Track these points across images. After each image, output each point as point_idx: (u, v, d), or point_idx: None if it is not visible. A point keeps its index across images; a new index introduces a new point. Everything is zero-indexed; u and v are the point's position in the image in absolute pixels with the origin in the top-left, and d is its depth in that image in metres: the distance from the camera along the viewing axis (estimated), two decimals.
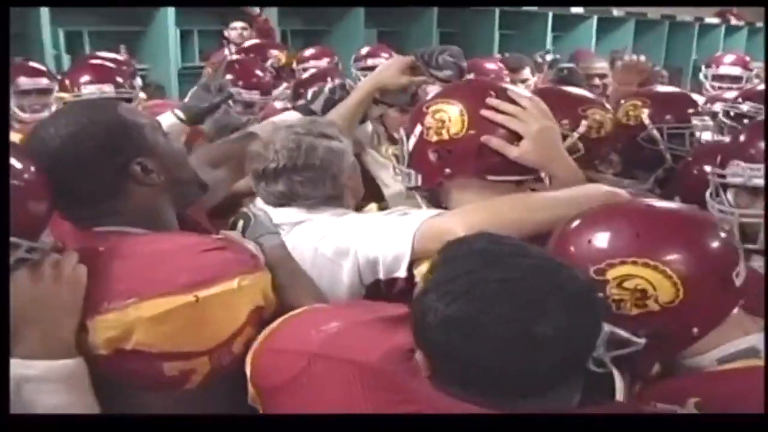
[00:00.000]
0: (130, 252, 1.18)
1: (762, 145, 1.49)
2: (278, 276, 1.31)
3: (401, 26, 6.88)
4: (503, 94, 1.42)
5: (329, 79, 2.86)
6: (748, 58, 4.37)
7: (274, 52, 3.97)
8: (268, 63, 3.65)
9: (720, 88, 3.83)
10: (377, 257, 1.35)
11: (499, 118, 1.38)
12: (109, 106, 1.37)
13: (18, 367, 1.05)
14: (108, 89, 2.58)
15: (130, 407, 1.16)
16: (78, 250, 1.16)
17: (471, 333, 0.87)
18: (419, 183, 1.48)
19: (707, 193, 1.57)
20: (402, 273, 1.34)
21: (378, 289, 1.39)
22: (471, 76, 3.34)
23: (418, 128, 1.45)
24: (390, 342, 1.05)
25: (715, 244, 1.08)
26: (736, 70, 4.07)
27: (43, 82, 2.99)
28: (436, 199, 1.50)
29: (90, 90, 2.58)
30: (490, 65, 3.63)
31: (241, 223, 1.43)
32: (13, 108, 2.83)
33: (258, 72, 2.91)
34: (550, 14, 7.36)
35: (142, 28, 5.59)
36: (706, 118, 2.27)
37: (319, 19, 6.57)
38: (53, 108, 2.66)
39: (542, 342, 0.86)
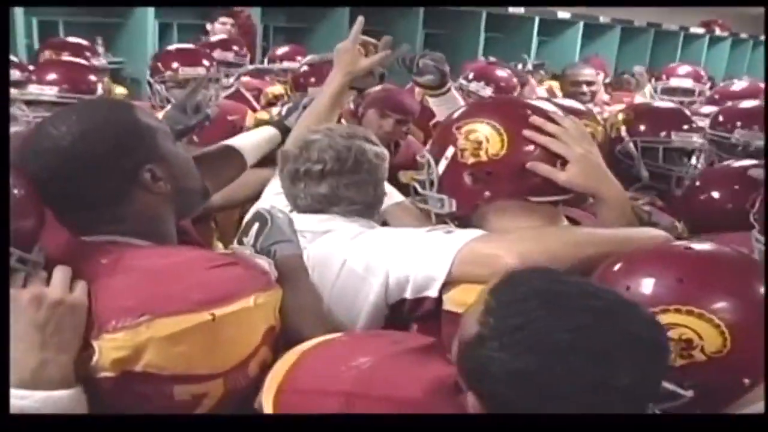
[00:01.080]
0: (135, 265, 1.07)
1: None
2: (284, 289, 1.18)
3: (386, 26, 6.77)
4: (543, 114, 1.34)
5: None
6: (702, 72, 4.22)
7: None
8: None
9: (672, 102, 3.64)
10: (408, 275, 1.26)
11: (542, 139, 1.31)
12: (124, 107, 1.26)
13: (12, 397, 0.94)
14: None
15: None
16: (78, 264, 1.05)
17: (541, 386, 0.83)
18: (454, 208, 1.37)
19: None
20: (433, 293, 1.24)
21: (401, 310, 1.29)
22: (481, 83, 3.37)
23: (450, 150, 1.35)
24: (426, 375, 0.97)
25: (762, 287, 0.99)
26: (687, 82, 3.97)
27: (16, 74, 2.91)
28: (468, 224, 1.38)
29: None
30: (501, 73, 3.54)
31: (256, 226, 1.28)
32: None
33: (197, 53, 3.02)
34: (537, 18, 7.34)
35: (120, 20, 5.45)
36: (694, 135, 2.08)
37: (302, 17, 6.46)
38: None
39: (618, 392, 0.83)
